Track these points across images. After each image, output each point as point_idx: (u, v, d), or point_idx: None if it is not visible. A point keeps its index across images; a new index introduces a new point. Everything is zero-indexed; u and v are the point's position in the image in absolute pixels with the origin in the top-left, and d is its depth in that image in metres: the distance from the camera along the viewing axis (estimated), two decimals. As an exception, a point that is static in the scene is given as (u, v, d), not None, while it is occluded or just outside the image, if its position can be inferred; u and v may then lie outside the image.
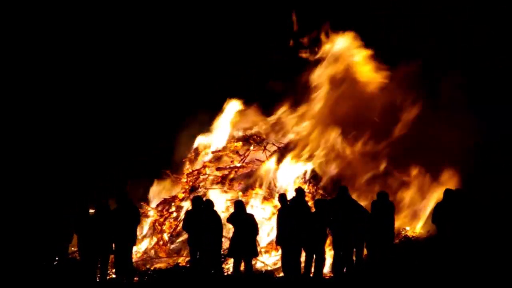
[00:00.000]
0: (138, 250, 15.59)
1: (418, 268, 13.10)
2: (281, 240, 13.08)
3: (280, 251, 15.16)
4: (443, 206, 13.21)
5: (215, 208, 13.46)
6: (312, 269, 13.10)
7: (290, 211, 13.07)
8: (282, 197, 13.48)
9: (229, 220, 13.10)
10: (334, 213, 13.08)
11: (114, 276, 13.31)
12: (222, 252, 13.35)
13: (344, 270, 13.13)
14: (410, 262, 13.45)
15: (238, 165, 17.42)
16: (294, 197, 13.39)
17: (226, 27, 21.70)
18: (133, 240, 12.95)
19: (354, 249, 13.18)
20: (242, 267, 13.05)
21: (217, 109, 18.72)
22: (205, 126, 18.57)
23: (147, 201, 17.15)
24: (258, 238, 14.08)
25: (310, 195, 15.94)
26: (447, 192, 13.32)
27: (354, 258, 13.18)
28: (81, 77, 21.33)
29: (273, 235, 15.64)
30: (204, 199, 13.93)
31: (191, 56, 21.71)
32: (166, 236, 16.19)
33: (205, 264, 13.05)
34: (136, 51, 21.63)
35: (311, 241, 12.91)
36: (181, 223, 15.94)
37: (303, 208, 13.15)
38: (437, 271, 12.88)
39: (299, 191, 13.49)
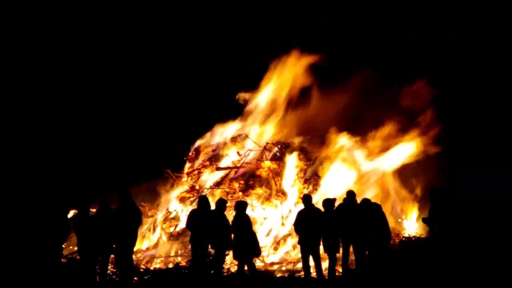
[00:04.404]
0: (138, 250, 15.61)
1: (417, 268, 13.13)
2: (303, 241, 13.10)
3: (278, 251, 15.34)
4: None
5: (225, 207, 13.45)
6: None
7: (310, 214, 13.09)
8: (307, 198, 13.44)
9: (234, 222, 13.08)
10: (343, 217, 13.13)
11: (114, 276, 13.28)
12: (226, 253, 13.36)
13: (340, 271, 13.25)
14: (409, 263, 13.49)
15: (238, 165, 17.44)
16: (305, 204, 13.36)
17: (227, 24, 21.74)
18: (133, 240, 12.95)
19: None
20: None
21: (217, 108, 18.78)
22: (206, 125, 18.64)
23: (148, 201, 17.17)
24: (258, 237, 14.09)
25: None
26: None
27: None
28: (83, 77, 21.33)
29: (272, 235, 15.74)
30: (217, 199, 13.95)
31: (191, 57, 21.73)
32: (166, 236, 16.19)
33: (206, 264, 13.07)
34: (138, 51, 21.63)
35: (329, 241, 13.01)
36: (180, 222, 16.07)
37: (317, 212, 13.22)
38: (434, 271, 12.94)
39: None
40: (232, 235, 13.02)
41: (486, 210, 15.46)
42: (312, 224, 12.92)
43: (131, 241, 12.84)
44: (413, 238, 15.67)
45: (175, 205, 16.89)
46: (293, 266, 14.70)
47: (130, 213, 12.79)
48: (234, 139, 18.17)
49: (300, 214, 13.22)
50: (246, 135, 18.15)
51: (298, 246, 13.43)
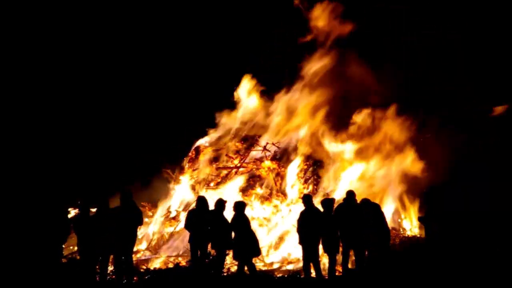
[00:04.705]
0: (138, 250, 15.63)
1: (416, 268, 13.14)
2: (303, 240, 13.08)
3: (278, 251, 15.35)
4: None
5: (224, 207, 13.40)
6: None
7: (312, 213, 13.09)
8: (307, 198, 13.45)
9: (232, 223, 13.08)
10: (343, 217, 13.14)
11: (114, 276, 13.28)
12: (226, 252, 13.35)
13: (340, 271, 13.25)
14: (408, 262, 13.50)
15: (238, 165, 17.43)
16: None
17: (227, 24, 21.72)
18: (133, 240, 12.95)
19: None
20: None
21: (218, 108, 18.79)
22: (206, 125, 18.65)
23: (148, 201, 17.19)
24: (258, 237, 14.11)
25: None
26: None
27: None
28: (84, 77, 21.33)
29: (273, 235, 15.75)
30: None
31: (191, 57, 21.73)
32: (166, 236, 16.20)
33: (206, 264, 13.08)
34: (138, 51, 21.63)
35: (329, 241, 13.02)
36: (180, 222, 16.07)
37: (318, 212, 13.22)
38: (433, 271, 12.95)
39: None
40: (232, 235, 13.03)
41: (487, 215, 15.39)
42: (313, 224, 12.91)
43: (131, 241, 12.84)
44: (413, 238, 15.69)
45: (175, 205, 16.92)
46: (293, 266, 14.70)
47: (131, 213, 12.79)
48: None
49: (301, 214, 13.23)
50: (247, 135, 18.16)
51: (299, 246, 13.44)
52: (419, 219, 14.03)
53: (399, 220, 16.67)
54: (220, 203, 13.30)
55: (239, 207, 13.14)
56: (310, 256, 12.91)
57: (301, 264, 13.78)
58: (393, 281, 12.74)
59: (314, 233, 12.89)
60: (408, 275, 12.87)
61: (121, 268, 12.81)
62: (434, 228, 13.62)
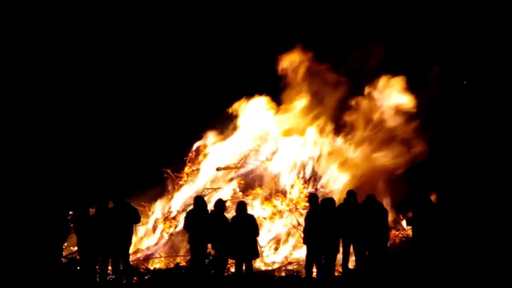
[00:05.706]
0: (138, 250, 15.64)
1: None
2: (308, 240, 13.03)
3: (279, 251, 15.35)
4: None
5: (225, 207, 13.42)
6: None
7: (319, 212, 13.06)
8: (313, 197, 13.40)
9: (232, 222, 13.05)
10: (343, 217, 13.11)
11: (114, 276, 13.30)
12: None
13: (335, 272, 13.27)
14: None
15: (238, 165, 17.43)
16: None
17: (227, 24, 21.73)
18: (130, 239, 12.96)
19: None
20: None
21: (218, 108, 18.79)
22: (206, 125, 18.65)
23: (148, 201, 17.20)
24: (258, 238, 14.11)
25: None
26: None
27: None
28: (84, 77, 21.33)
29: (272, 235, 15.75)
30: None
31: (192, 57, 21.71)
32: (166, 236, 16.21)
33: (206, 264, 13.08)
34: (138, 51, 21.63)
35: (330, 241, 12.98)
36: (180, 222, 16.08)
37: (324, 212, 13.15)
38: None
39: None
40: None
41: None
42: (319, 224, 12.86)
43: (128, 240, 12.85)
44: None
45: (175, 205, 16.92)
46: (293, 267, 14.69)
47: (126, 213, 12.78)
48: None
49: (308, 214, 13.18)
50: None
51: (298, 246, 13.43)
52: (407, 221, 14.04)
53: (399, 220, 16.69)
54: (220, 203, 13.29)
55: (240, 207, 13.11)
56: (314, 256, 12.88)
57: (302, 264, 13.80)
58: (393, 281, 12.75)
59: (320, 233, 12.83)
60: (407, 275, 12.87)
61: (119, 268, 12.82)
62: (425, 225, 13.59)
